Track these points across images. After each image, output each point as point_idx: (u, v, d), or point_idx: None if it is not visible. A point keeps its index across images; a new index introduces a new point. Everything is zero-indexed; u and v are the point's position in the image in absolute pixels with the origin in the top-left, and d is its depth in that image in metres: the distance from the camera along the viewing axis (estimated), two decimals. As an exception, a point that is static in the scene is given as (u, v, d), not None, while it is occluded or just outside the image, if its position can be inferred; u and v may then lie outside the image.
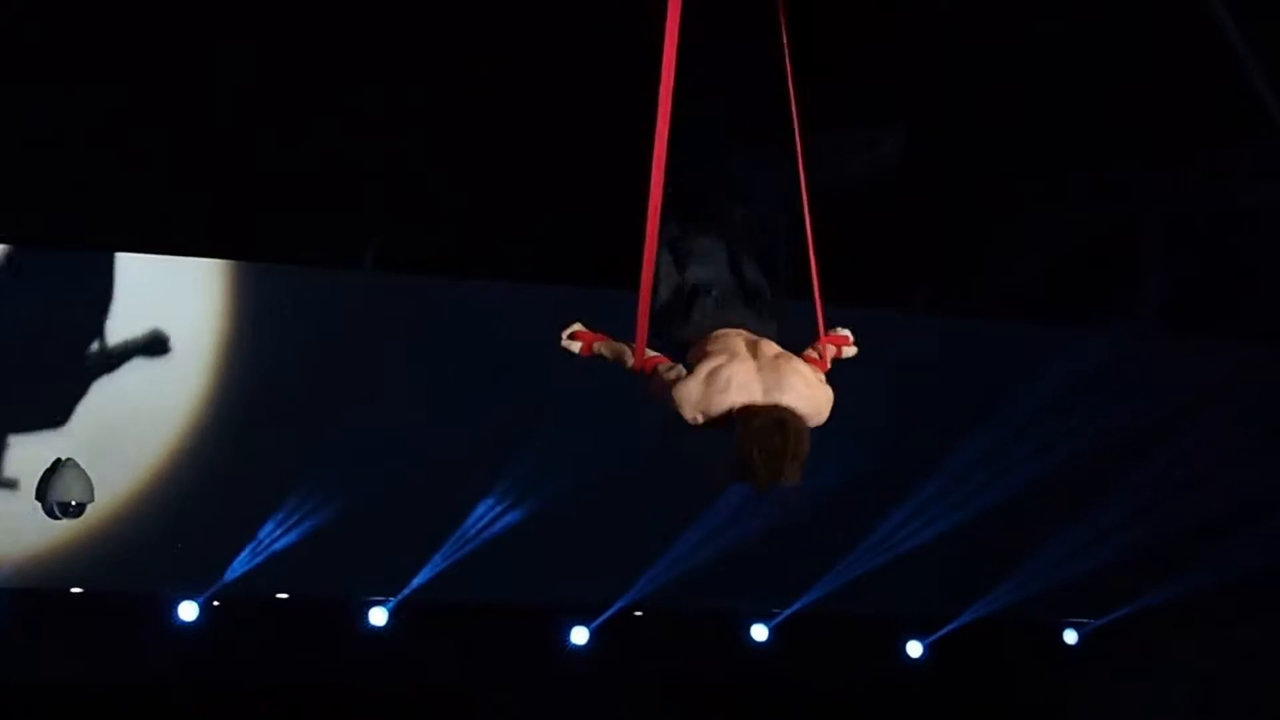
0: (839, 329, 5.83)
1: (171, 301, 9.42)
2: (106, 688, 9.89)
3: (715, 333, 5.54)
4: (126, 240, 9.35)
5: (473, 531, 9.99)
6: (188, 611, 9.85)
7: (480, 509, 9.98)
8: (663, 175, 5.31)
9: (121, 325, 9.22)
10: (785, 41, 5.62)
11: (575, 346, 5.69)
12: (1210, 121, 11.06)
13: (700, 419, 5.36)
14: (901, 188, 11.15)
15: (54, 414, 9.20)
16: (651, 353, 5.54)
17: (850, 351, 5.86)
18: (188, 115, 10.04)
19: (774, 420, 5.24)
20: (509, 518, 9.99)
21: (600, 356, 5.68)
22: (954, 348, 10.76)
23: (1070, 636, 11.51)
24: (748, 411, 5.28)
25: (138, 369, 9.29)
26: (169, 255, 9.45)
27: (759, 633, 10.93)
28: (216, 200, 9.96)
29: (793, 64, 5.76)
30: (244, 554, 9.66)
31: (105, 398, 9.25)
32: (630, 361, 5.54)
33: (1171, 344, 11.40)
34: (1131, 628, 11.25)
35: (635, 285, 5.50)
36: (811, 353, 5.65)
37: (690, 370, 5.40)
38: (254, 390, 9.57)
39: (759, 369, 5.38)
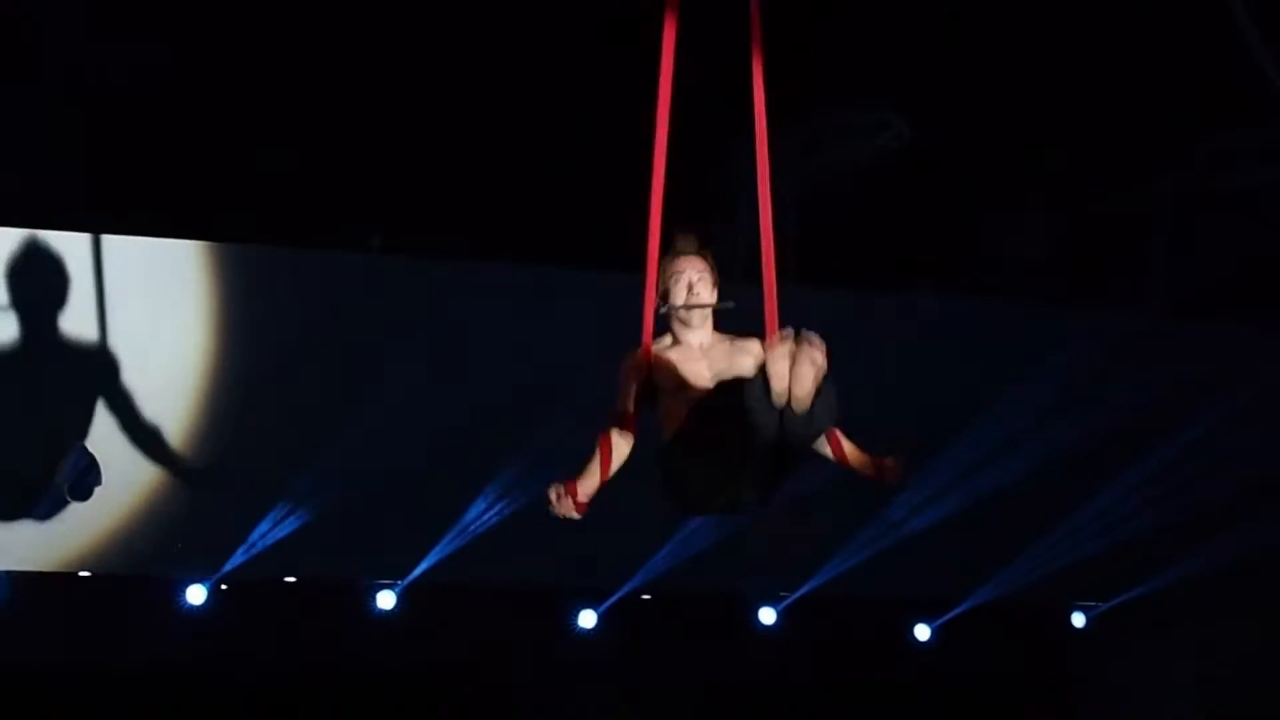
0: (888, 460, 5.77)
1: (176, 283, 9.44)
2: (115, 671, 9.91)
3: None
4: (126, 225, 9.37)
5: (481, 515, 9.99)
6: (196, 595, 9.88)
7: (489, 492, 9.97)
8: (664, 165, 5.34)
9: (124, 309, 9.23)
10: (755, 24, 5.53)
11: (562, 490, 5.59)
12: (1215, 104, 11.03)
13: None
14: (905, 173, 11.14)
15: (60, 398, 9.21)
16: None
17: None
18: (186, 104, 10.09)
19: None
20: (517, 501, 9.99)
21: (595, 484, 5.65)
22: (962, 331, 10.74)
23: (1078, 620, 11.51)
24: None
25: (143, 351, 9.31)
26: (173, 239, 9.48)
27: (767, 616, 10.94)
28: (220, 189, 9.99)
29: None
30: (252, 538, 9.68)
31: (110, 381, 9.27)
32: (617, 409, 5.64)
33: (1177, 329, 11.36)
34: (1138, 611, 11.24)
35: (637, 269, 5.54)
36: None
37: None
38: (259, 373, 9.58)
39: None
